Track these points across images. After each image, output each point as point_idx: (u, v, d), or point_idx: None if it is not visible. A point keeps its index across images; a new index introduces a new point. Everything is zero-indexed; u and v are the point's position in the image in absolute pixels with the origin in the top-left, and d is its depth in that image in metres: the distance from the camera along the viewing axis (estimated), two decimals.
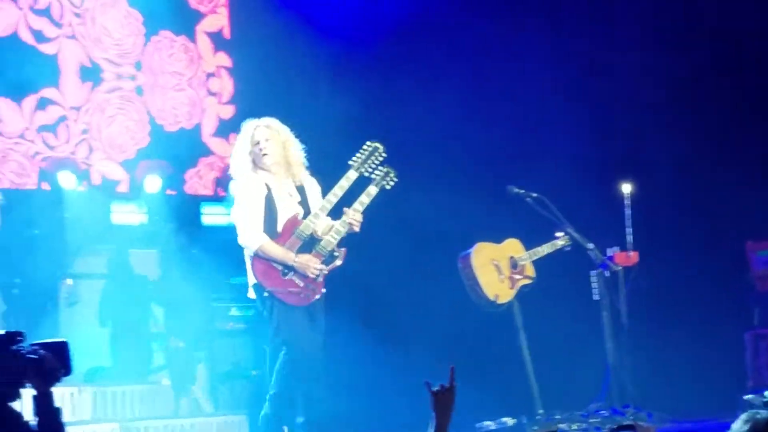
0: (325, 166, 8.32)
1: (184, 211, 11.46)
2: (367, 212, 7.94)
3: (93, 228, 10.90)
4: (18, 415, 4.40)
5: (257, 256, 7.69)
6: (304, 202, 7.93)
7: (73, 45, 11.89)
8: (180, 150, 11.83)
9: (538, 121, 11.87)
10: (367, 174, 7.92)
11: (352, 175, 7.86)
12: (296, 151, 7.98)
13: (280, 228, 7.78)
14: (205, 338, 10.68)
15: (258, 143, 7.88)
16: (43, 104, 11.64)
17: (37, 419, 4.38)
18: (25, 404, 4.46)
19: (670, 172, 11.57)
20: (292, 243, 7.72)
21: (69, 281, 10.60)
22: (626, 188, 10.28)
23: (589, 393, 9.92)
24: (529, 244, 9.81)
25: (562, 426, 9.25)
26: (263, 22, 12.17)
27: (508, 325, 9.73)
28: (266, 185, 7.84)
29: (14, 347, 4.35)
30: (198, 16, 12.63)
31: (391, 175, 7.95)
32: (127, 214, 11.61)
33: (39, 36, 11.76)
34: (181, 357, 10.44)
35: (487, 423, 9.60)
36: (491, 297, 9.59)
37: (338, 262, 7.80)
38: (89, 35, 11.95)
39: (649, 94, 11.88)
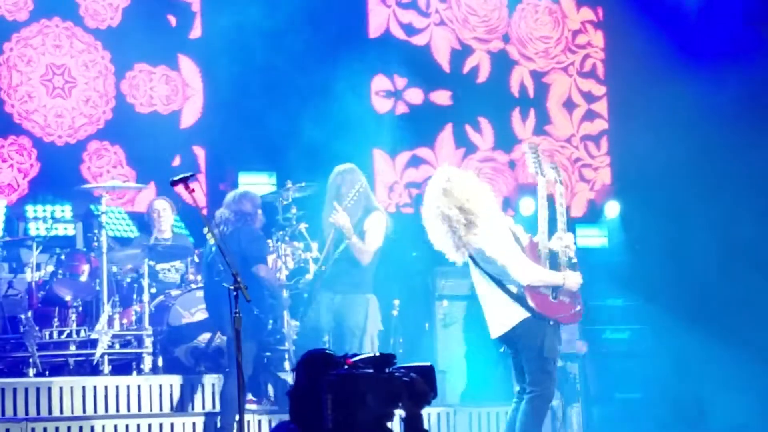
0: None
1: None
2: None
3: None
4: None
5: (529, 289, 7.43)
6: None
7: (443, 31, 12.46)
8: None
9: None
10: (544, 175, 7.69)
11: (541, 182, 7.64)
12: None
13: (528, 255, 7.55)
14: (578, 359, 10.68)
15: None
16: (415, 162, 12.25)
17: None
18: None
19: None
20: (543, 265, 7.52)
21: (444, 302, 10.79)
22: None
23: None
24: None
25: None
26: None
27: None
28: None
29: (389, 369, 4.56)
30: None
31: (558, 168, 7.76)
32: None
33: (409, 29, 12.37)
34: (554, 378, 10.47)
35: None
36: None
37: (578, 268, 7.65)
38: (456, 18, 12.47)
39: None
